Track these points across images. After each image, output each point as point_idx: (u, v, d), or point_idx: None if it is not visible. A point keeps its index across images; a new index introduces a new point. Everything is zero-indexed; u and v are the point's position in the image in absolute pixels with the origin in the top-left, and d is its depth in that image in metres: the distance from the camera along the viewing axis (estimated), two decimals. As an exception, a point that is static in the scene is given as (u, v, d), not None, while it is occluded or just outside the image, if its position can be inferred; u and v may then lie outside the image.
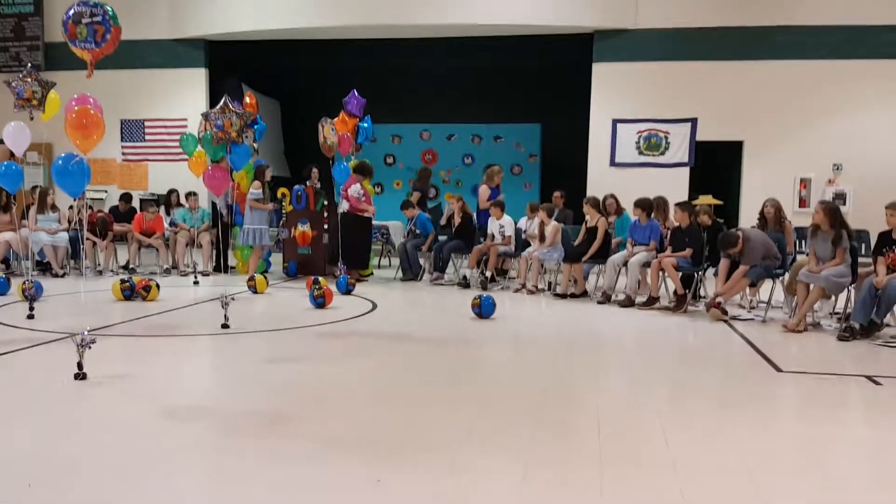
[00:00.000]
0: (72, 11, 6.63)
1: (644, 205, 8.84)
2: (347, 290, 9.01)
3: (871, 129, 13.76)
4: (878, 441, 4.11)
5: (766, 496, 3.16)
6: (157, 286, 8.37)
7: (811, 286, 7.07)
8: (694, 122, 14.31)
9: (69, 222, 10.55)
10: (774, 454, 3.71)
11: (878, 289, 6.64)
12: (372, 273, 11.05)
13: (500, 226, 10.11)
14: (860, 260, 7.64)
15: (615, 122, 14.62)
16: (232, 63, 16.32)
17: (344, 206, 10.58)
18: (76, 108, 7.14)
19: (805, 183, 14.00)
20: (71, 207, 10.63)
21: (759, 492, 3.20)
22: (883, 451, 3.92)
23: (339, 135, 10.28)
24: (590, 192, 12.96)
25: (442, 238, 10.79)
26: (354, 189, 10.53)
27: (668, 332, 7.26)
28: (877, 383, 5.17)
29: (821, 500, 3.17)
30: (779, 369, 5.57)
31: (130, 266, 10.99)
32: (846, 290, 7.21)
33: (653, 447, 3.76)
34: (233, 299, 6.80)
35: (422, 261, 10.87)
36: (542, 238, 9.55)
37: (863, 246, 9.72)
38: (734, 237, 7.69)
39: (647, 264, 8.56)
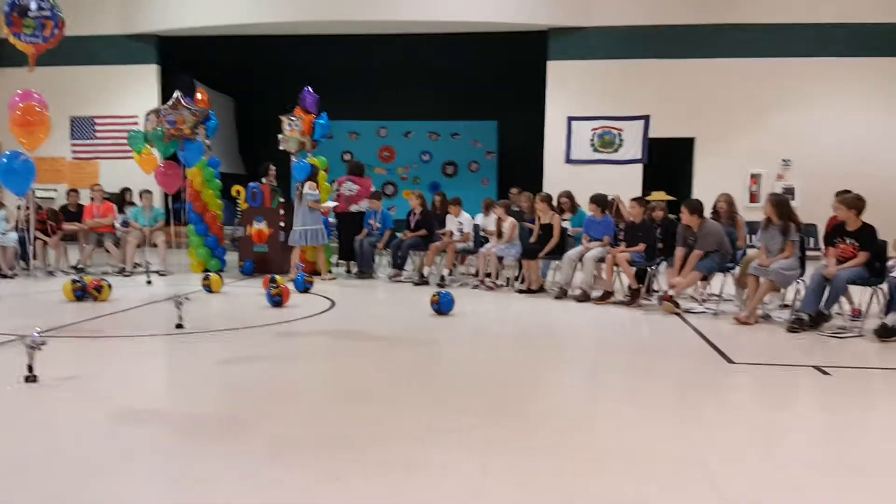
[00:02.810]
0: (11, 2, 6.43)
1: (598, 200, 8.97)
2: (305, 289, 8.95)
3: (819, 124, 14.14)
4: (826, 428, 4.24)
5: (718, 483, 3.24)
6: (109, 286, 8.22)
7: (761, 279, 7.24)
8: (646, 119, 14.52)
9: (17, 222, 10.29)
10: (727, 443, 3.80)
11: (826, 280, 6.82)
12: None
13: (459, 222, 10.14)
14: (810, 253, 7.84)
15: (570, 119, 14.78)
16: (184, 59, 16.09)
17: (364, 205, 10.80)
18: (21, 105, 6.98)
19: (755, 178, 14.32)
20: (18, 207, 10.37)
21: (712, 479, 3.28)
22: (831, 437, 4.05)
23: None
24: (546, 189, 13.07)
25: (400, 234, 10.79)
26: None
27: (623, 325, 7.37)
28: (825, 373, 5.31)
29: (772, 486, 3.25)
30: (730, 361, 5.69)
31: (80, 266, 10.76)
32: (795, 282, 7.39)
33: (609, 438, 3.82)
34: (187, 299, 6.71)
35: (376, 258, 10.81)
36: (499, 234, 9.60)
37: (811, 239, 9.97)
38: (700, 204, 7.91)
39: (602, 259, 8.67)
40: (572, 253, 8.92)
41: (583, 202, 9.94)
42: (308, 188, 10.17)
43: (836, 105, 14.20)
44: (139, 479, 3.26)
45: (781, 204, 7.40)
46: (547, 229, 9.25)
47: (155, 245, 10.92)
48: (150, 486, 3.22)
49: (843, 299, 7.11)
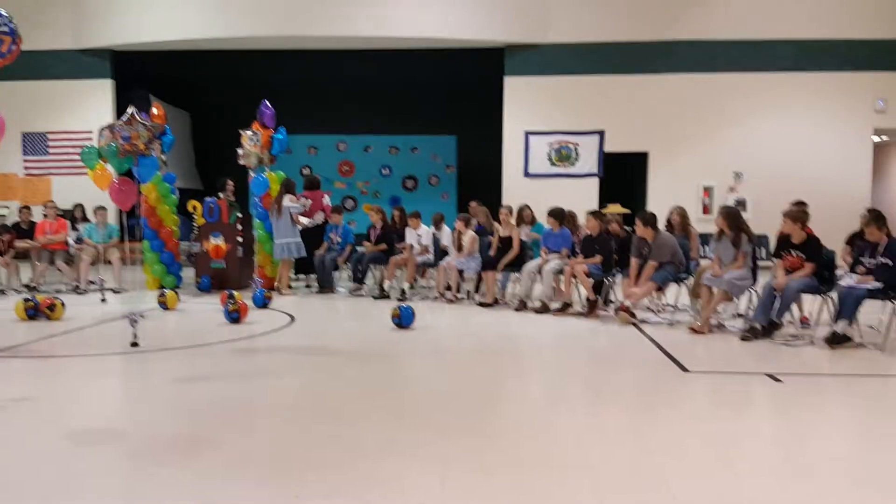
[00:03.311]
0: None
1: (556, 214, 9.08)
2: (264, 304, 8.88)
3: (768, 138, 14.49)
4: (779, 434, 4.34)
5: (676, 491, 3.29)
6: (63, 304, 8.07)
7: (714, 289, 7.39)
8: (602, 133, 14.74)
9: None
10: (683, 451, 3.87)
11: (777, 290, 6.99)
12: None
13: (418, 236, 10.17)
14: (761, 263, 8.02)
15: (527, 133, 14.92)
16: (139, 74, 15.92)
17: (319, 218, 10.96)
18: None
19: (708, 191, 14.60)
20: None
21: (670, 487, 3.34)
22: (784, 443, 4.15)
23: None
24: (505, 203, 13.17)
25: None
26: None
27: (581, 336, 7.46)
28: (777, 380, 5.43)
29: (728, 493, 3.32)
30: (685, 369, 5.80)
31: (33, 284, 10.54)
32: (747, 292, 7.55)
33: (568, 449, 3.86)
34: (142, 316, 6.62)
35: (335, 274, 10.78)
36: (459, 247, 9.66)
37: (763, 250, 10.19)
38: (654, 216, 8.06)
39: (560, 271, 8.77)
40: (531, 265, 9.01)
41: (541, 216, 10.07)
42: (288, 201, 10.31)
43: (785, 118, 14.57)
44: (93, 501, 3.21)
45: (732, 216, 7.58)
46: (506, 242, 9.32)
47: (109, 262, 10.75)
48: (106, 507, 3.18)
49: (793, 308, 7.29)
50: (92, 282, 10.57)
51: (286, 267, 10.49)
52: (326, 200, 11.42)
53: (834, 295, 6.94)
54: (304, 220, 10.60)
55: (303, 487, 3.31)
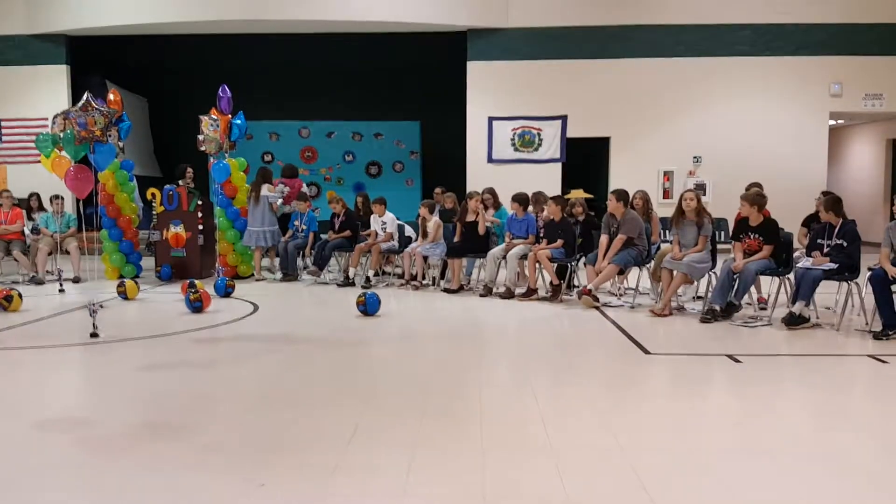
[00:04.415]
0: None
1: (520, 199, 9.12)
2: (226, 293, 8.80)
3: (726, 122, 14.67)
4: (738, 414, 4.44)
5: (638, 471, 3.35)
6: (20, 295, 7.91)
7: (675, 272, 7.49)
8: (564, 119, 14.79)
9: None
10: (645, 431, 3.94)
11: (735, 273, 7.11)
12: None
13: (383, 222, 10.14)
14: (720, 246, 8.15)
15: (491, 119, 14.92)
16: (95, 59, 15.58)
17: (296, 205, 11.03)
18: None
19: (668, 175, 14.76)
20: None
21: (632, 467, 3.39)
22: (743, 422, 4.24)
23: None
24: (469, 188, 13.18)
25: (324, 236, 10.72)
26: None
27: (546, 320, 7.52)
28: (737, 361, 5.55)
29: (690, 472, 3.39)
30: (647, 352, 5.89)
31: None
32: (707, 274, 7.67)
33: (532, 431, 3.90)
34: (101, 306, 6.52)
35: (299, 262, 10.71)
36: (424, 234, 9.65)
37: (721, 233, 10.35)
38: (627, 193, 8.23)
39: (524, 257, 8.82)
40: (496, 251, 9.05)
41: (505, 201, 10.09)
42: (266, 190, 10.48)
43: (743, 102, 14.74)
44: (56, 492, 3.16)
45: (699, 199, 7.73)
46: (470, 227, 9.34)
47: (67, 252, 10.55)
48: (69, 498, 3.13)
49: (751, 289, 7.42)
50: (49, 272, 10.38)
51: (259, 254, 10.49)
52: (304, 188, 11.44)
53: (791, 276, 7.09)
54: (286, 208, 10.76)
55: (265, 474, 3.30)
